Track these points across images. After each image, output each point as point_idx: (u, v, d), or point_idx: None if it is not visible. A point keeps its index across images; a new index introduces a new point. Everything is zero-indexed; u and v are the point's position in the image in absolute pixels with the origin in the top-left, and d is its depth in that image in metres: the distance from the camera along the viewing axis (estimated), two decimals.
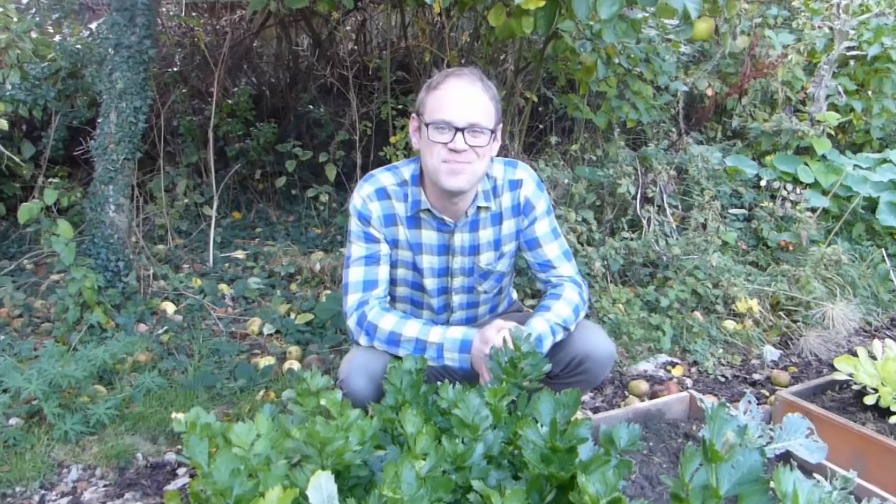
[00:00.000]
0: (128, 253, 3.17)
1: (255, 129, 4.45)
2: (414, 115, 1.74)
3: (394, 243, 1.80)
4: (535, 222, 1.85)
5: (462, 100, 1.62)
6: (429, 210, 1.75)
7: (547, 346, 1.71)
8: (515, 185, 1.82)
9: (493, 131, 1.66)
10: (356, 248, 1.77)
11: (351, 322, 1.75)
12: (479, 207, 1.78)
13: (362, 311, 1.73)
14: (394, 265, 1.82)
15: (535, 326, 1.70)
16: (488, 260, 1.86)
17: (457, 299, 1.90)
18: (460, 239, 1.81)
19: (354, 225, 1.78)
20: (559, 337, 1.75)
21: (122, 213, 3.14)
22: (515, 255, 1.93)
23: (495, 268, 1.88)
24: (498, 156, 1.83)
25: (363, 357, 1.69)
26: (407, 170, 1.78)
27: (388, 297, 1.81)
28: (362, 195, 1.76)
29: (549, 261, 1.87)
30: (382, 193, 1.76)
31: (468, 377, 1.70)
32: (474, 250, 1.84)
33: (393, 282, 1.86)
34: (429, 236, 1.80)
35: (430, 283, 1.85)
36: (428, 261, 1.82)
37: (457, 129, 1.61)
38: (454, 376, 1.85)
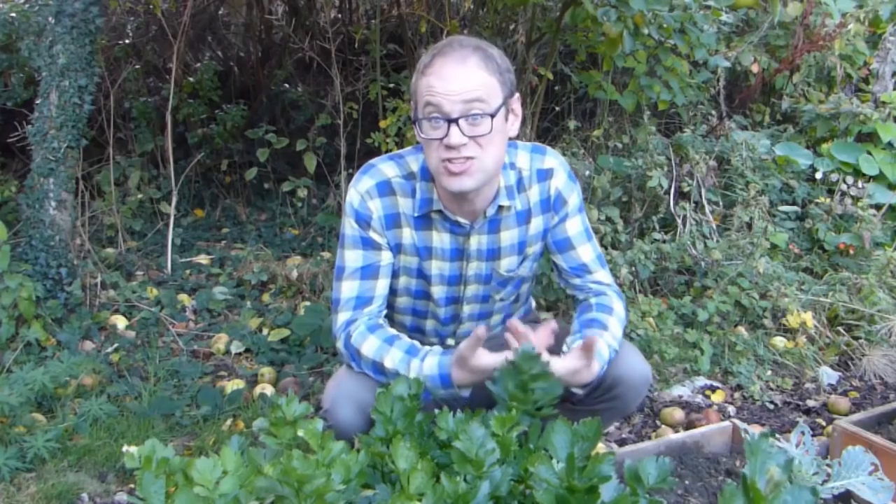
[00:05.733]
0: (71, 258, 3.18)
1: (221, 112, 4.46)
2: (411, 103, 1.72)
3: (396, 248, 1.78)
4: (567, 220, 1.84)
5: (451, 83, 1.57)
6: (441, 211, 1.73)
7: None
8: (545, 175, 1.80)
9: (493, 115, 1.59)
10: (351, 257, 1.75)
11: (339, 345, 1.75)
12: (500, 206, 1.76)
13: (348, 331, 1.72)
14: (395, 274, 1.81)
15: (602, 352, 1.67)
16: (510, 265, 1.84)
17: (468, 309, 1.89)
18: (477, 242, 1.79)
19: (350, 228, 1.74)
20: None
21: (64, 210, 3.15)
22: (540, 258, 1.93)
23: (517, 272, 1.87)
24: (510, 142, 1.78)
25: (352, 382, 1.69)
26: (414, 160, 1.75)
27: (383, 312, 1.80)
28: (360, 190, 1.73)
29: (584, 265, 1.87)
30: (385, 188, 1.73)
31: (472, 404, 1.70)
32: (493, 254, 1.82)
33: (393, 292, 1.85)
34: (440, 239, 1.78)
35: (439, 291, 1.84)
36: (438, 267, 1.81)
37: (449, 121, 1.57)
38: (456, 403, 1.84)
